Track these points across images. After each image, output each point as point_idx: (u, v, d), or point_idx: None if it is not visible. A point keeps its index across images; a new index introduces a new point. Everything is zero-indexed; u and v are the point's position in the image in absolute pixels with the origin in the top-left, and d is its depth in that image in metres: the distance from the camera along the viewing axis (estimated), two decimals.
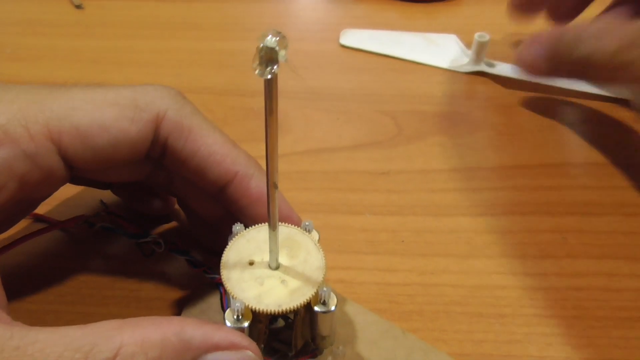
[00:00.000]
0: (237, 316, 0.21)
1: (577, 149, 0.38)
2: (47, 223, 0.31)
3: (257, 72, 0.17)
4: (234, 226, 0.25)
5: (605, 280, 0.30)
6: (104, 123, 0.23)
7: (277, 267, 0.23)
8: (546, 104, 0.42)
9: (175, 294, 0.29)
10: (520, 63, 0.36)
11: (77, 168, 0.24)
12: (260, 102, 0.42)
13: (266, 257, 0.23)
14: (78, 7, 0.54)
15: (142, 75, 0.45)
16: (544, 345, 0.27)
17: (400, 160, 0.37)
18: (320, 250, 0.24)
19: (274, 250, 0.22)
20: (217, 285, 0.27)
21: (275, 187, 0.20)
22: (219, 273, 0.23)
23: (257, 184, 0.25)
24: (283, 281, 0.22)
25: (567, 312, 0.28)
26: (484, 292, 0.29)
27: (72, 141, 0.22)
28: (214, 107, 0.42)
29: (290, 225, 0.25)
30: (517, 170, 0.37)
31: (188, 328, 0.19)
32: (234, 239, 0.24)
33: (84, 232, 0.31)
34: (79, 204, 0.33)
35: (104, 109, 0.23)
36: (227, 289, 0.22)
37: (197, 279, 0.28)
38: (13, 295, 0.28)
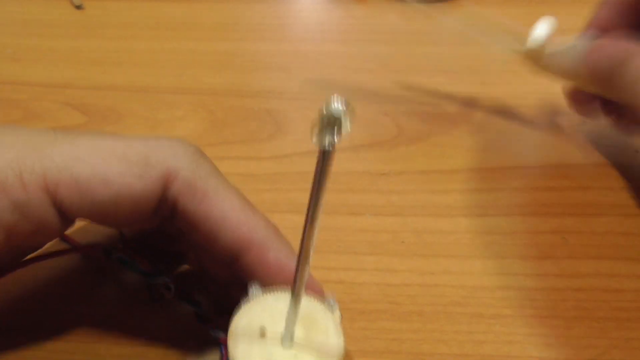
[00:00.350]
0: None
1: (577, 149, 0.38)
2: (68, 244, 0.29)
3: (314, 140, 0.16)
4: (250, 287, 0.22)
5: (606, 281, 0.30)
6: (107, 177, 0.21)
7: (291, 347, 0.21)
8: (546, 105, 0.42)
9: (175, 345, 0.27)
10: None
11: (74, 220, 0.22)
12: (260, 103, 0.42)
13: (280, 329, 0.21)
14: (78, 7, 0.54)
15: (142, 75, 0.45)
16: (544, 346, 0.27)
17: (400, 161, 0.37)
18: (342, 335, 0.21)
19: (290, 328, 0.20)
20: (220, 345, 0.25)
21: (307, 264, 0.18)
22: (225, 331, 0.21)
23: (276, 256, 0.23)
24: None
25: (567, 313, 0.28)
26: (484, 292, 0.29)
27: (69, 194, 0.21)
28: (214, 108, 0.42)
29: (312, 296, 0.22)
30: (518, 171, 0.37)
31: None
32: (248, 303, 0.22)
33: (100, 260, 0.29)
34: (100, 229, 0.30)
35: (109, 162, 0.21)
36: None
37: (202, 333, 0.26)
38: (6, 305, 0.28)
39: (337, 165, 0.39)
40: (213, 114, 0.41)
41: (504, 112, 0.42)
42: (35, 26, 0.51)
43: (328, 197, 0.35)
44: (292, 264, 0.22)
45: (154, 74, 0.46)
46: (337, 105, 0.15)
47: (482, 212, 0.34)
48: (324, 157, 0.16)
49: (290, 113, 0.42)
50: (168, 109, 0.42)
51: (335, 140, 0.16)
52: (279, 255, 0.23)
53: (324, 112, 0.15)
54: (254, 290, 0.22)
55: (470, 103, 0.42)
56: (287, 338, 0.21)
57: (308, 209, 0.18)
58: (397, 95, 0.43)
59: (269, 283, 0.23)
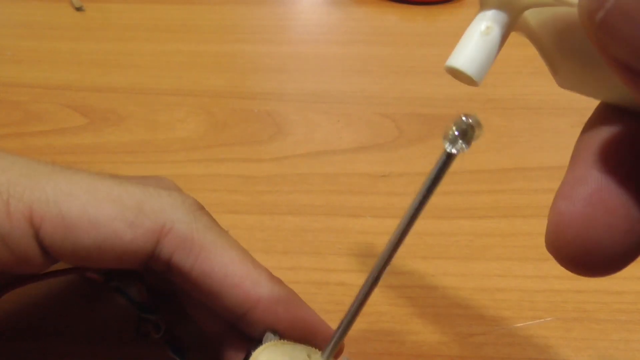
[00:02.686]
0: None
1: None
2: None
3: (445, 140, 0.15)
4: (266, 333, 0.21)
5: (606, 282, 0.30)
6: (96, 219, 0.20)
7: None
8: (546, 106, 0.42)
9: None
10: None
11: (56, 259, 0.21)
12: (260, 105, 0.42)
13: None
14: (79, 9, 0.54)
15: (142, 77, 0.45)
16: (545, 348, 0.27)
17: (400, 162, 0.37)
18: None
19: None
20: None
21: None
22: None
23: (287, 309, 0.22)
24: None
25: (568, 315, 0.28)
26: (484, 294, 0.29)
27: (53, 230, 0.19)
28: (214, 110, 0.42)
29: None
30: (518, 173, 0.37)
31: None
32: (267, 344, 0.21)
33: (98, 284, 0.28)
34: None
35: (102, 204, 0.20)
36: None
37: None
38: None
39: (337, 166, 0.39)
40: (213, 116, 0.41)
41: (504, 113, 0.42)
42: (36, 28, 0.51)
43: (329, 199, 0.35)
44: (303, 313, 0.22)
45: (154, 75, 0.46)
46: (475, 119, 0.14)
47: (482, 214, 0.34)
48: (445, 161, 0.16)
49: (290, 115, 0.42)
50: (168, 110, 0.42)
51: (463, 147, 0.15)
52: (291, 309, 0.22)
53: (463, 119, 0.14)
54: (270, 336, 0.21)
55: (470, 104, 0.42)
56: None
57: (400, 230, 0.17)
58: (397, 97, 0.43)
59: (283, 336, 0.22)
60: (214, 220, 0.22)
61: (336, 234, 0.33)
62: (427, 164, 0.38)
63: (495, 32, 0.14)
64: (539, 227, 0.33)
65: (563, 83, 0.17)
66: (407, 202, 0.36)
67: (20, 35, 0.50)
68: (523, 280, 0.30)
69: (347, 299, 0.29)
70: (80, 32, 0.51)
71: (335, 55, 0.48)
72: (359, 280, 0.30)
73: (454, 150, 0.15)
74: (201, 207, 0.22)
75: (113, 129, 0.40)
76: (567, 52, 0.15)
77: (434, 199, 0.35)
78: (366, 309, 0.28)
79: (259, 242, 0.32)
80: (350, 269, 0.31)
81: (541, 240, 0.33)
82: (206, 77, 0.45)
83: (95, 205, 0.20)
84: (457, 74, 0.15)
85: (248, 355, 0.20)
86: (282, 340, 0.21)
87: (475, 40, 0.15)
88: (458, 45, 0.15)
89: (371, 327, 0.28)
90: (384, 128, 0.40)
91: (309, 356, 0.20)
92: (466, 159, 0.38)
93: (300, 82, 0.45)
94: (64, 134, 0.40)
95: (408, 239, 0.33)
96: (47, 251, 0.20)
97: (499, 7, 0.15)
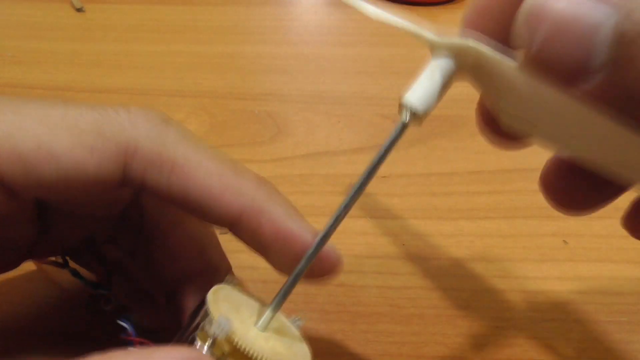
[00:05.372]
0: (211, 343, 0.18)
1: None
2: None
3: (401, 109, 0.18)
4: (228, 276, 0.21)
5: (606, 283, 0.30)
6: (53, 150, 0.18)
7: (265, 331, 0.20)
8: None
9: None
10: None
11: (22, 199, 0.19)
12: (261, 106, 0.42)
13: (253, 317, 0.20)
14: (79, 10, 0.54)
15: (143, 78, 0.45)
16: (545, 349, 0.27)
17: (401, 163, 0.37)
18: (308, 345, 0.20)
19: (274, 309, 0.19)
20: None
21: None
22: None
23: (269, 219, 0.20)
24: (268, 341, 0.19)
25: (568, 316, 0.28)
26: (484, 295, 0.29)
27: (11, 167, 0.18)
28: (215, 111, 0.42)
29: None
30: (518, 174, 0.37)
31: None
32: (227, 283, 0.20)
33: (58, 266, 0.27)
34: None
35: (57, 133, 0.18)
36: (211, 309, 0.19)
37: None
38: None
39: (338, 167, 0.39)
40: (214, 117, 0.41)
41: None
42: (36, 29, 0.51)
43: (329, 201, 0.35)
44: (291, 225, 0.21)
45: (155, 76, 0.46)
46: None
47: (483, 215, 0.34)
48: (399, 131, 0.18)
49: (291, 115, 0.42)
50: (169, 111, 0.42)
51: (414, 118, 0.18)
52: (274, 218, 0.20)
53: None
54: (231, 278, 0.21)
55: (470, 105, 0.42)
56: (263, 323, 0.19)
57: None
58: (397, 98, 0.43)
59: (271, 253, 0.21)
60: (184, 131, 0.20)
61: (336, 234, 0.32)
62: (427, 165, 0.38)
63: (443, 77, 0.18)
64: (540, 228, 0.33)
65: (504, 120, 0.20)
66: (407, 202, 0.36)
67: (21, 36, 0.50)
68: (524, 281, 0.30)
69: (347, 300, 0.29)
70: (81, 33, 0.51)
71: (335, 56, 0.48)
72: (359, 281, 0.30)
73: (406, 119, 0.19)
74: (168, 120, 0.21)
75: None
76: (505, 97, 0.18)
77: (435, 201, 0.35)
78: (366, 309, 0.28)
79: None
80: (350, 269, 0.30)
81: (542, 242, 0.33)
82: (207, 78, 0.45)
83: (50, 135, 0.18)
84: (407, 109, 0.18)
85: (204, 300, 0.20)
86: (239, 288, 0.21)
87: (425, 83, 0.18)
88: (412, 85, 0.18)
89: (371, 328, 0.28)
90: (385, 129, 0.40)
91: (259, 309, 0.20)
92: (467, 160, 0.38)
93: (300, 83, 0.45)
94: None
95: (408, 240, 0.33)
96: (12, 192, 0.19)
97: (448, 56, 0.17)
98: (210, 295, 0.19)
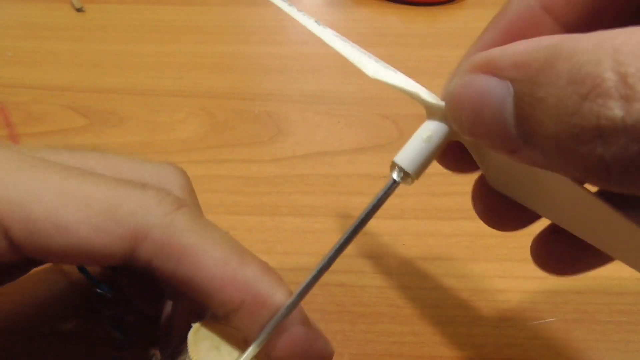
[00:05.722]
0: None
1: None
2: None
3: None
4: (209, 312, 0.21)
5: (607, 284, 0.30)
6: (62, 224, 0.19)
7: None
8: None
9: None
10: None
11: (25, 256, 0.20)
12: (261, 106, 0.42)
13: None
14: (79, 10, 0.54)
15: (143, 78, 0.45)
16: (545, 349, 0.27)
17: None
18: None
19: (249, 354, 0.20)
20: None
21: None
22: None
23: (269, 312, 0.20)
24: None
25: (568, 316, 0.28)
26: (485, 295, 0.29)
27: (20, 233, 0.19)
28: (215, 111, 0.42)
29: None
30: None
31: None
32: (206, 322, 0.21)
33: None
34: None
35: (68, 207, 0.19)
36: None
37: None
38: None
39: (338, 167, 0.39)
40: (214, 117, 0.41)
41: None
42: (36, 29, 0.51)
43: (329, 200, 0.35)
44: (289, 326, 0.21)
45: (155, 76, 0.46)
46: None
47: None
48: (389, 189, 0.19)
49: (291, 116, 0.42)
50: (169, 111, 0.42)
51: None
52: (274, 311, 0.20)
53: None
54: (210, 315, 0.21)
55: None
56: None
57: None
58: (397, 98, 0.43)
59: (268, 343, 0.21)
60: (195, 217, 0.21)
61: (337, 235, 0.33)
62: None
63: (435, 141, 0.18)
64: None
65: (491, 183, 0.20)
66: (407, 203, 0.36)
67: (21, 36, 0.50)
68: (524, 281, 0.30)
69: (347, 300, 0.29)
70: (81, 33, 0.51)
71: (335, 56, 0.48)
72: (359, 281, 0.30)
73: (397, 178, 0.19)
74: (181, 204, 0.21)
75: (113, 130, 0.40)
76: (492, 162, 0.19)
77: (435, 201, 0.35)
78: (366, 309, 0.29)
79: (259, 243, 0.32)
80: (350, 269, 0.31)
81: None
82: (206, 78, 0.45)
83: (60, 208, 0.19)
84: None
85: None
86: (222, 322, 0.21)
87: (417, 145, 0.18)
88: (405, 145, 0.18)
89: (372, 328, 0.28)
90: (385, 129, 0.40)
91: (242, 342, 0.20)
92: None
93: (300, 83, 0.45)
94: (64, 135, 0.40)
95: (408, 240, 0.33)
96: (20, 252, 0.19)
97: (441, 120, 0.18)
98: (191, 336, 0.19)
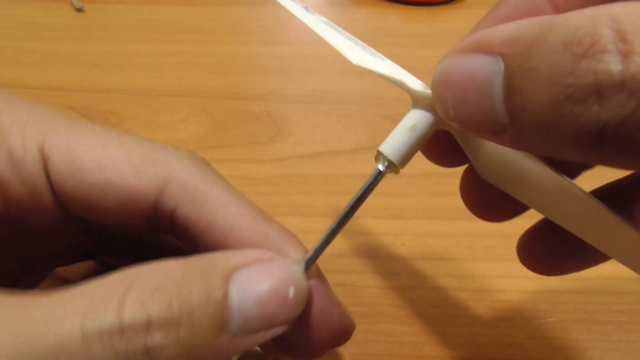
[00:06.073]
0: None
1: None
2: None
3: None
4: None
5: (607, 284, 0.30)
6: (103, 160, 0.20)
7: None
8: None
9: None
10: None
11: (59, 196, 0.21)
12: (261, 106, 0.42)
13: None
14: (79, 10, 0.54)
15: (143, 78, 0.45)
16: (545, 349, 0.27)
17: None
18: None
19: None
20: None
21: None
22: None
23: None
24: None
25: (568, 316, 0.28)
26: (485, 295, 0.29)
27: (60, 164, 0.20)
28: (215, 111, 0.42)
29: None
30: None
31: (214, 253, 0.18)
32: None
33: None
34: None
35: (109, 147, 0.20)
36: None
37: None
38: None
39: (338, 167, 0.39)
40: (214, 117, 0.41)
41: None
42: (36, 29, 0.51)
43: (329, 200, 0.35)
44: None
45: (155, 76, 0.46)
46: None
47: None
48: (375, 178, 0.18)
49: (291, 116, 0.42)
50: (169, 111, 0.42)
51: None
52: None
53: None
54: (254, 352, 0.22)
55: None
56: None
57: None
58: (397, 98, 0.43)
59: None
60: (221, 176, 0.22)
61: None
62: (428, 165, 0.38)
63: (420, 129, 0.18)
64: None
65: (480, 172, 0.20)
66: (407, 203, 0.36)
67: (21, 36, 0.50)
68: (524, 281, 0.30)
69: (348, 300, 0.29)
70: (81, 33, 0.51)
71: (335, 56, 0.48)
72: (359, 281, 0.30)
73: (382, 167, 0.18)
74: (207, 162, 0.22)
75: None
76: (480, 150, 0.19)
77: (435, 201, 0.35)
78: (366, 309, 0.29)
79: None
80: (350, 270, 0.31)
81: None
82: (206, 78, 0.45)
83: (103, 146, 0.20)
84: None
85: None
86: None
87: (402, 134, 0.18)
88: (391, 134, 0.18)
89: (372, 328, 0.28)
90: (385, 129, 0.40)
91: None
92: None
93: (300, 83, 0.45)
94: None
95: (408, 240, 0.33)
96: (53, 188, 0.20)
97: (427, 109, 0.17)
98: None
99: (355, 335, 0.27)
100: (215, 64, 0.47)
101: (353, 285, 0.30)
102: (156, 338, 0.15)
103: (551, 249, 0.23)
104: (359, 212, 0.35)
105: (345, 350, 0.27)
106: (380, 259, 0.31)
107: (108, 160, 0.20)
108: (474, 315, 0.28)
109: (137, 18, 0.53)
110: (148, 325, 0.15)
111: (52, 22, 0.52)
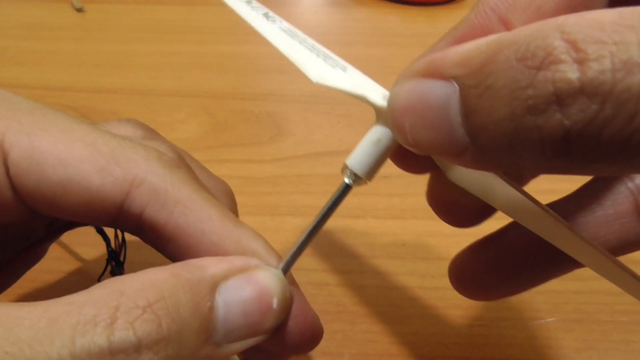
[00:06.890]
0: None
1: None
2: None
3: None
4: None
5: (607, 283, 0.30)
6: (65, 157, 0.19)
7: None
8: None
9: None
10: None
11: (20, 193, 0.20)
12: (261, 106, 0.42)
13: None
14: (79, 10, 0.54)
15: (143, 78, 0.45)
16: (545, 349, 0.27)
17: None
18: None
19: None
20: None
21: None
22: None
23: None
24: None
25: (568, 316, 0.28)
26: None
27: (20, 160, 0.19)
28: (215, 111, 0.42)
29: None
30: None
31: (200, 261, 0.17)
32: None
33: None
34: None
35: (74, 144, 0.19)
36: None
37: None
38: None
39: (338, 167, 0.39)
40: (214, 117, 0.41)
41: None
42: (36, 29, 0.51)
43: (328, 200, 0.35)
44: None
45: (155, 76, 0.46)
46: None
47: None
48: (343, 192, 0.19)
49: (291, 116, 0.42)
50: (169, 111, 0.42)
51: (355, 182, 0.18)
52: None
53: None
54: None
55: None
56: None
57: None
58: None
59: None
60: (194, 177, 0.21)
61: (337, 234, 0.33)
62: None
63: (385, 143, 0.18)
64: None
65: (451, 176, 0.20)
66: (407, 203, 0.36)
67: (21, 37, 0.50)
68: None
69: (348, 300, 0.29)
70: (81, 33, 0.51)
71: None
72: (359, 281, 0.30)
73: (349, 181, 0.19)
74: (180, 164, 0.21)
75: None
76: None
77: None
78: (366, 309, 0.29)
79: None
80: (350, 270, 0.31)
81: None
82: (207, 78, 0.45)
83: (66, 143, 0.19)
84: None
85: None
86: None
87: (367, 148, 0.18)
88: (356, 147, 0.18)
89: (371, 328, 0.28)
90: None
91: None
92: None
93: (300, 83, 0.45)
94: None
95: (408, 240, 0.33)
96: (13, 184, 0.19)
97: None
98: None
99: (355, 335, 0.27)
100: (215, 64, 0.47)
101: (353, 285, 0.30)
102: (145, 358, 0.15)
103: (483, 272, 0.23)
104: (359, 212, 0.36)
105: (345, 350, 0.27)
106: (380, 259, 0.31)
107: (71, 157, 0.19)
108: (474, 315, 0.28)
109: (137, 18, 0.53)
110: (138, 347, 0.15)
111: (53, 23, 0.52)
